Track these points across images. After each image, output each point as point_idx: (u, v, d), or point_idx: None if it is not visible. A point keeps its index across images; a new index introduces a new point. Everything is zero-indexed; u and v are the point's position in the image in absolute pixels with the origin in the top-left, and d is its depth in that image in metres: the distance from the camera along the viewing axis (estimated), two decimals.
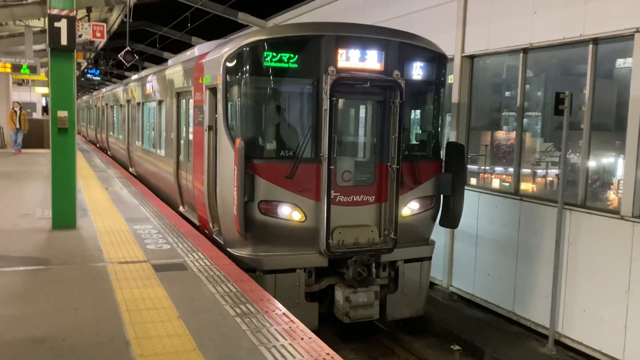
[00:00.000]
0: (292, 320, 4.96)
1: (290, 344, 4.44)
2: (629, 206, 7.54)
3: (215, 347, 4.34)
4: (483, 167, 11.15)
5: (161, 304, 5.24)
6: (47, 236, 7.88)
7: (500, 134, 11.06)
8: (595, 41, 8.05)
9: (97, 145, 29.03)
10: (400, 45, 7.81)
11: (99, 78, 42.48)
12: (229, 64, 7.60)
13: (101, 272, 6.23)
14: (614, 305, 7.70)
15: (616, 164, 8.71)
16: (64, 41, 7.83)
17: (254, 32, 7.93)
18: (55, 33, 7.78)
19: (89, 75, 34.60)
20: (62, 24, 7.79)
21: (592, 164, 8.50)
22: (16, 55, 21.71)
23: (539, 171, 10.20)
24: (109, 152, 23.67)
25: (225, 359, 4.16)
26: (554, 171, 9.97)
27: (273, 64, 7.32)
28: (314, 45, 7.38)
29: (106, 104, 24.29)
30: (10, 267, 6.30)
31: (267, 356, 4.20)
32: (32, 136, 23.49)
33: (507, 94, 11.23)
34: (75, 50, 8.12)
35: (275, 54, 7.28)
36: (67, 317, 4.87)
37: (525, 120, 9.83)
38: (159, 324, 4.75)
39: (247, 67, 7.41)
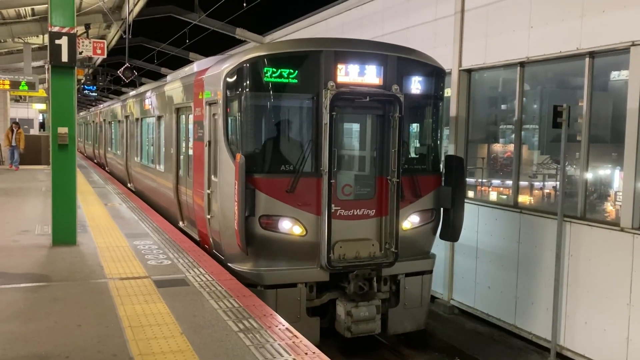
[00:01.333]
0: (295, 336, 4.95)
1: (294, 359, 4.42)
2: (628, 218, 7.57)
3: None
4: (480, 180, 11.19)
5: (164, 320, 5.22)
6: (47, 252, 7.86)
7: (497, 147, 11.12)
8: (592, 55, 8.14)
9: (95, 161, 29.03)
10: (399, 60, 7.87)
11: (95, 94, 42.57)
12: (229, 80, 7.65)
13: (102, 288, 6.21)
14: (616, 318, 7.69)
15: (613, 175, 8.76)
16: (64, 58, 7.88)
17: (253, 48, 7.99)
18: (56, 50, 7.82)
19: (85, 91, 34.65)
20: (63, 41, 7.84)
21: (589, 175, 8.54)
22: (14, 72, 21.80)
23: (536, 183, 10.25)
24: (106, 168, 23.66)
25: None
26: (551, 183, 10.03)
27: (273, 80, 7.37)
28: (313, 61, 7.44)
29: (104, 120, 24.33)
30: (10, 284, 6.27)
31: None
32: (30, 152, 23.51)
33: (503, 107, 11.32)
34: (75, 67, 8.15)
35: (275, 70, 7.34)
36: (70, 334, 4.84)
37: (522, 132, 9.88)
38: (162, 340, 4.73)
39: (248, 82, 7.46)
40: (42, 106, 34.57)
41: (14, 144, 21.97)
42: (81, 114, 43.93)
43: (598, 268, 7.96)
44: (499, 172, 10.81)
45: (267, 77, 7.35)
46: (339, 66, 7.50)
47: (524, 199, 9.82)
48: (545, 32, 8.80)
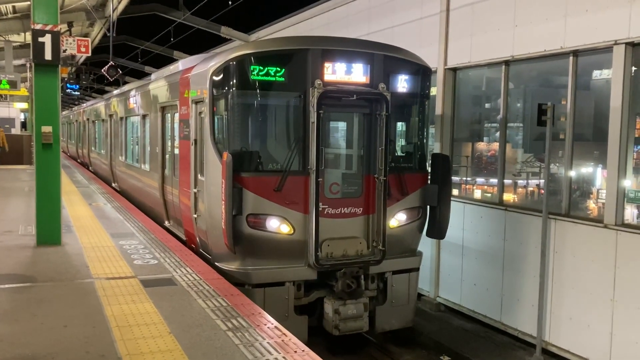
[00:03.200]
0: (284, 334, 4.94)
1: (283, 357, 4.42)
2: (612, 215, 7.67)
3: None
4: (464, 178, 11.26)
5: (151, 320, 5.18)
6: (32, 253, 7.76)
7: (481, 145, 11.21)
8: (576, 53, 8.23)
9: (78, 160, 28.73)
10: (385, 59, 7.89)
11: (78, 93, 42.10)
12: (215, 78, 7.62)
13: (89, 288, 6.15)
14: (600, 313, 7.80)
15: (595, 173, 8.87)
16: (48, 56, 7.77)
17: (240, 46, 7.97)
18: (39, 48, 7.72)
19: (68, 90, 34.26)
20: (47, 39, 7.74)
21: (573, 173, 8.63)
22: None
23: (520, 181, 10.34)
24: (90, 168, 23.43)
25: None
26: (534, 181, 10.13)
27: (260, 78, 7.35)
28: (300, 59, 7.44)
29: (87, 119, 24.08)
30: None
31: None
32: (11, 152, 23.19)
33: (487, 105, 11.41)
34: (59, 65, 8.06)
35: (262, 68, 7.32)
36: (57, 334, 4.79)
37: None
38: (150, 340, 4.70)
39: (234, 81, 7.43)
40: (24, 105, 34.09)
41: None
42: (64, 113, 43.44)
43: (582, 264, 8.05)
44: (483, 171, 10.89)
45: (254, 75, 7.33)
46: (326, 64, 7.50)
47: (508, 197, 9.90)
48: (529, 31, 8.88)
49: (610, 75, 7.83)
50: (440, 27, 10.69)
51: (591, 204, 8.79)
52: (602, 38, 7.72)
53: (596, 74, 8.77)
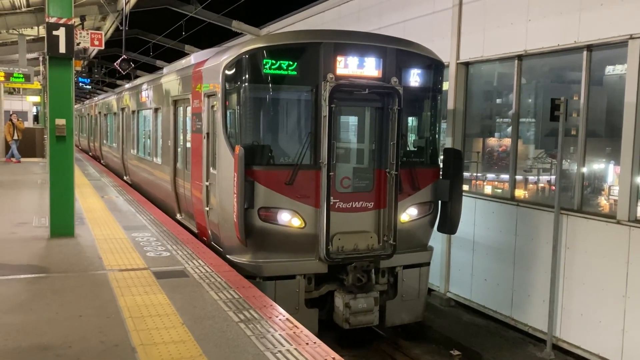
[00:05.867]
0: (296, 326, 4.97)
1: (295, 349, 4.45)
2: (625, 211, 7.63)
3: (221, 353, 4.34)
4: (475, 174, 11.23)
5: (164, 311, 5.23)
6: (46, 244, 7.84)
7: (492, 141, 11.15)
8: (590, 48, 8.16)
9: (90, 153, 28.91)
10: (398, 53, 7.87)
11: (90, 87, 42.35)
12: (228, 72, 7.64)
13: (102, 279, 6.21)
14: (612, 309, 7.76)
15: (607, 169, 8.81)
16: (62, 49, 7.83)
17: (252, 39, 7.98)
18: (53, 41, 7.77)
19: (80, 84, 34.46)
20: (61, 32, 7.79)
21: (585, 169, 8.58)
22: (9, 64, 21.65)
23: (531, 177, 10.29)
24: (102, 161, 23.57)
25: None
26: (545, 177, 10.07)
27: (272, 72, 7.36)
28: (312, 53, 7.43)
29: (99, 113, 24.21)
30: (10, 276, 6.27)
31: None
32: (25, 145, 23.42)
33: (497, 101, 11.34)
34: (73, 58, 8.11)
35: (274, 62, 7.32)
36: (71, 324, 4.85)
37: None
38: (163, 331, 4.74)
39: (247, 74, 7.45)
40: (37, 98, 34.37)
41: (15, 137, 21.98)
42: (76, 106, 43.72)
43: (594, 260, 8.02)
44: (494, 166, 10.85)
45: (266, 69, 7.33)
46: (338, 58, 7.49)
47: (519, 193, 9.86)
48: (543, 25, 8.81)
49: (624, 71, 7.76)
50: (452, 21, 10.64)
51: (602, 201, 8.73)
52: (617, 33, 7.65)
53: (609, 69, 8.70)
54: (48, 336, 4.58)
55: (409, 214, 8.08)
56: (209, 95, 8.35)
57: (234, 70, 7.56)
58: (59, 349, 4.32)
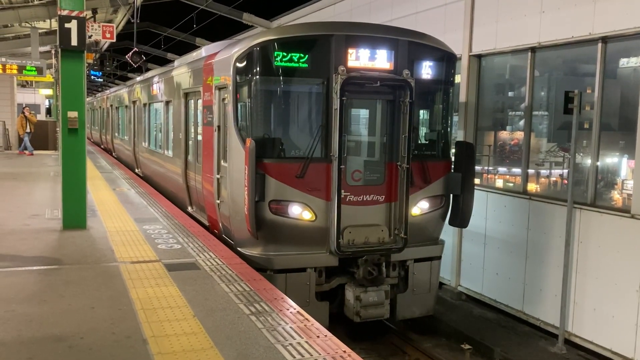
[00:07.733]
0: (306, 319, 4.97)
1: (306, 342, 4.45)
2: (639, 205, 7.54)
3: (232, 345, 4.35)
4: (487, 168, 11.15)
5: (176, 303, 5.25)
6: (58, 236, 7.90)
7: (504, 134, 11.05)
8: (605, 40, 8.05)
9: (102, 146, 29.09)
10: (410, 45, 7.82)
11: (101, 79, 42.50)
12: (239, 64, 7.62)
13: (114, 271, 6.24)
14: (625, 304, 7.69)
15: (620, 163, 8.71)
16: (74, 42, 7.85)
17: (263, 32, 7.95)
18: (65, 34, 7.80)
19: (92, 77, 34.59)
20: (73, 25, 7.81)
21: (598, 163, 8.49)
22: (21, 57, 21.79)
23: (543, 171, 10.20)
24: (114, 154, 23.71)
25: (242, 357, 4.16)
26: (557, 171, 9.97)
27: (283, 64, 7.34)
28: (324, 45, 7.40)
29: (111, 106, 24.34)
30: (23, 267, 6.32)
31: (284, 354, 4.21)
32: (38, 138, 23.61)
33: (510, 94, 11.23)
34: (85, 51, 8.14)
35: (285, 54, 7.30)
36: (84, 316, 4.88)
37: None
38: (174, 323, 4.76)
39: (258, 67, 7.43)
40: (49, 91, 34.58)
41: (28, 130, 22.19)
42: (88, 99, 43.94)
43: (608, 254, 7.94)
44: (506, 160, 10.76)
45: (278, 61, 7.31)
46: (350, 50, 7.45)
47: (531, 186, 9.78)
48: (557, 17, 8.70)
49: (639, 63, 7.65)
50: (465, 12, 10.54)
51: (616, 195, 8.64)
52: (633, 24, 7.54)
53: (623, 62, 8.57)
54: (61, 327, 4.61)
55: (420, 207, 8.04)
56: (220, 88, 8.35)
57: (244, 62, 7.55)
58: (72, 340, 4.35)
